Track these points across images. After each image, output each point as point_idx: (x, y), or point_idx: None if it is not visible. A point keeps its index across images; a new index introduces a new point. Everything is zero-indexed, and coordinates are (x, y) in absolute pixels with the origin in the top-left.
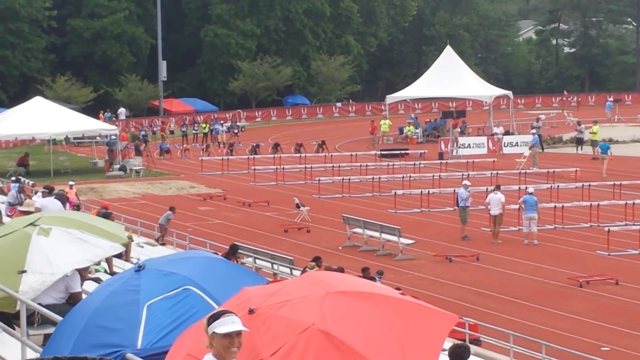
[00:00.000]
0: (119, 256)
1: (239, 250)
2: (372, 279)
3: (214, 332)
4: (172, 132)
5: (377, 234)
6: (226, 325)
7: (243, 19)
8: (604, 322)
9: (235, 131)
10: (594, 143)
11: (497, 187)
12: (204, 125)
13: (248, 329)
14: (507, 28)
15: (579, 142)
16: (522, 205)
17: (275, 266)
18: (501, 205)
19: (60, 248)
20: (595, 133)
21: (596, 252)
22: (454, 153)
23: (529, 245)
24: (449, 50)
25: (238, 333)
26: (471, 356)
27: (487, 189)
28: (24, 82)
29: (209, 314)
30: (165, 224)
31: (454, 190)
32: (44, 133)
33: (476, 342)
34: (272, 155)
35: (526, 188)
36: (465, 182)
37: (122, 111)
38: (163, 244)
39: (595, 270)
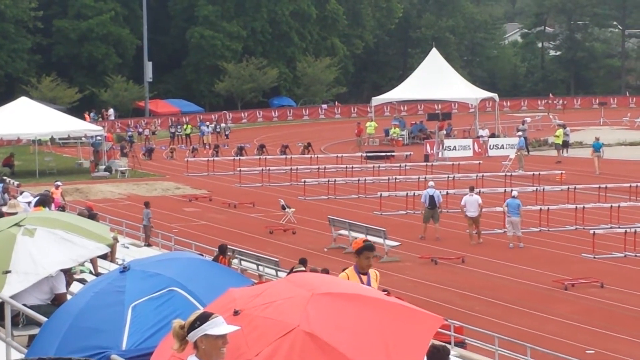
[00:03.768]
0: (104, 257)
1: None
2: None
3: (205, 334)
4: (154, 133)
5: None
6: (220, 326)
7: (229, 20)
8: (589, 325)
9: (218, 130)
10: (557, 146)
11: (471, 189)
12: (185, 126)
13: (240, 327)
14: (493, 31)
15: (564, 145)
16: (506, 209)
17: (260, 268)
18: (478, 206)
19: (45, 248)
20: (558, 136)
21: (581, 255)
22: (440, 155)
23: (514, 248)
24: (434, 53)
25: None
26: (456, 359)
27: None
28: (9, 82)
29: (191, 318)
30: (149, 223)
31: (427, 193)
32: (29, 133)
33: (461, 344)
34: (258, 157)
35: (511, 191)
36: (431, 182)
37: (112, 112)
38: (149, 245)
39: (580, 273)
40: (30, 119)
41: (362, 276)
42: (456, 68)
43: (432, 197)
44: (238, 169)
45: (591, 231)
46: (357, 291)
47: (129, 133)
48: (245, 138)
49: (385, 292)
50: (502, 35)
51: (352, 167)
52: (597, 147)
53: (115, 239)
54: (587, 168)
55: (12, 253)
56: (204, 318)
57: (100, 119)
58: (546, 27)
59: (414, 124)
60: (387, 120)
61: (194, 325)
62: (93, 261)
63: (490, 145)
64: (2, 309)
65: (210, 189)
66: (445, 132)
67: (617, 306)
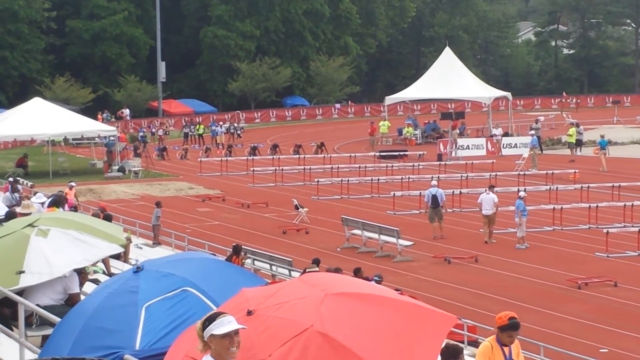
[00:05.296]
0: (117, 257)
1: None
2: (366, 279)
3: (212, 335)
4: (166, 134)
5: (375, 236)
6: (224, 326)
7: (242, 20)
8: (603, 324)
9: (232, 131)
10: (570, 145)
11: (491, 188)
12: (198, 126)
13: (245, 326)
14: (506, 29)
15: (577, 143)
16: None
17: (273, 267)
18: (494, 205)
19: (59, 249)
20: (571, 135)
21: (595, 254)
22: (453, 154)
23: (527, 247)
24: (448, 52)
25: (236, 332)
26: (469, 358)
27: (485, 190)
28: (23, 83)
29: (203, 318)
30: (157, 222)
31: (429, 192)
32: (42, 134)
33: (474, 343)
34: (271, 157)
35: (519, 191)
36: (434, 181)
37: (127, 112)
38: (158, 244)
39: (593, 272)
40: (43, 119)
41: (504, 347)
42: (469, 67)
43: (434, 197)
44: (251, 168)
45: (605, 230)
46: (371, 291)
47: (141, 133)
48: (259, 138)
49: (399, 291)
50: (515, 34)
51: (366, 167)
52: (603, 144)
53: (129, 240)
54: (600, 166)
55: (26, 253)
56: (212, 318)
57: (114, 119)
58: (559, 26)
59: (427, 123)
60: (400, 119)
61: (204, 325)
62: (105, 261)
63: (503, 144)
64: (16, 309)
65: (223, 189)
66: (458, 131)
67: (631, 305)
